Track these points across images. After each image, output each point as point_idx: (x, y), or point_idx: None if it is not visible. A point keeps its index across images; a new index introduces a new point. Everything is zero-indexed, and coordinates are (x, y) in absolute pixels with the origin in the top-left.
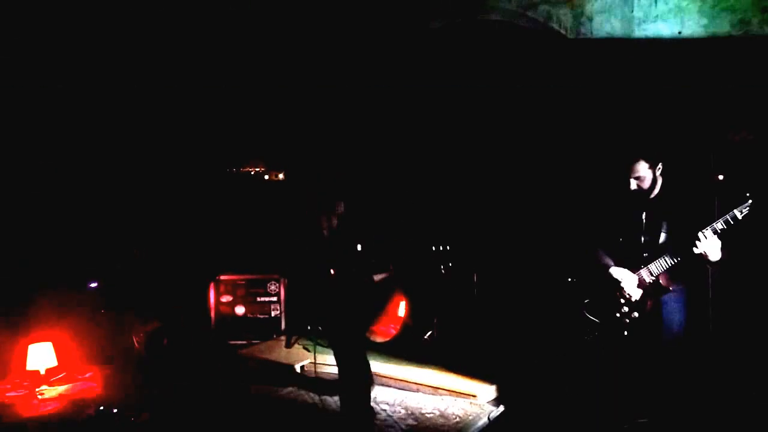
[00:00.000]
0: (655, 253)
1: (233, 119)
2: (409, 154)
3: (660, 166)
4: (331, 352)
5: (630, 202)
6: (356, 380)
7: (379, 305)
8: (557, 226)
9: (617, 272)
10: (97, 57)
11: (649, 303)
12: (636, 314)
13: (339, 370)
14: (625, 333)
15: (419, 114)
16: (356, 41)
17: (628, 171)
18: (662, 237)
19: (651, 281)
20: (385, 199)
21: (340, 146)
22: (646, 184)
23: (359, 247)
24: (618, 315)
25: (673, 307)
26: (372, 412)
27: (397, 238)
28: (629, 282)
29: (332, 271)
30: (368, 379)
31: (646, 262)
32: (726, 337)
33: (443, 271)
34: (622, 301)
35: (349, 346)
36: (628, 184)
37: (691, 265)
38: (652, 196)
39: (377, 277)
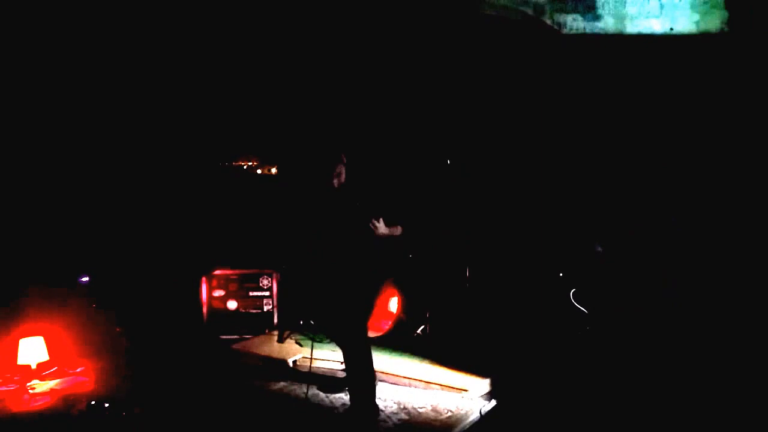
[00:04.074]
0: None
1: (226, 113)
2: (399, 148)
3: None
4: (323, 346)
5: (621, 196)
6: (365, 374)
7: (374, 297)
8: (549, 219)
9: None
10: (91, 53)
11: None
12: (622, 306)
13: (346, 366)
14: (610, 324)
15: (411, 107)
16: (348, 35)
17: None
18: (657, 233)
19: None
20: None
21: (332, 140)
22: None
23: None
24: (605, 305)
25: (666, 300)
26: (377, 408)
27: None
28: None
29: (337, 233)
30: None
31: (638, 257)
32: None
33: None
34: (611, 292)
35: (357, 341)
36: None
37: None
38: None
39: (383, 229)
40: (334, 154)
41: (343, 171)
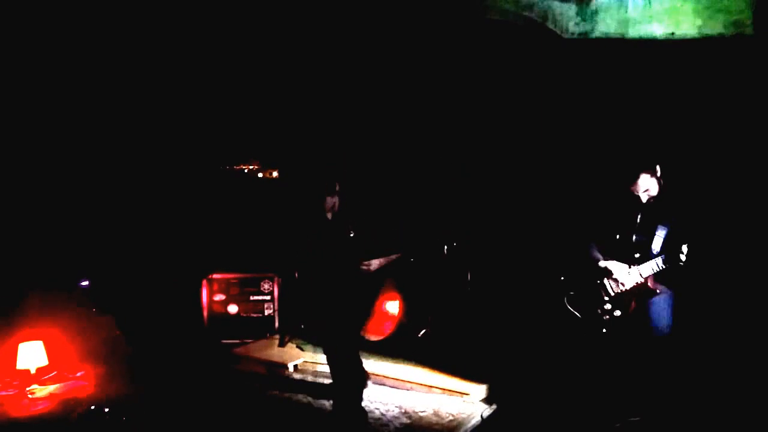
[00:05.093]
0: (647, 255)
1: (227, 116)
2: (402, 151)
3: (658, 169)
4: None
5: (626, 201)
6: (349, 379)
7: (372, 303)
8: (550, 224)
9: (608, 266)
10: (94, 56)
11: (633, 303)
12: (618, 312)
13: (331, 370)
14: (604, 330)
15: (416, 111)
16: (353, 40)
17: (632, 181)
18: (656, 240)
19: (638, 282)
20: (378, 196)
21: (335, 143)
22: (651, 192)
23: (353, 234)
24: (599, 311)
25: (660, 308)
26: (364, 411)
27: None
28: (617, 280)
29: (329, 260)
30: (361, 378)
31: (637, 263)
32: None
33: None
34: (606, 298)
35: (344, 345)
36: (631, 191)
37: (681, 271)
38: (649, 198)
39: (371, 265)
40: (328, 186)
41: (337, 202)
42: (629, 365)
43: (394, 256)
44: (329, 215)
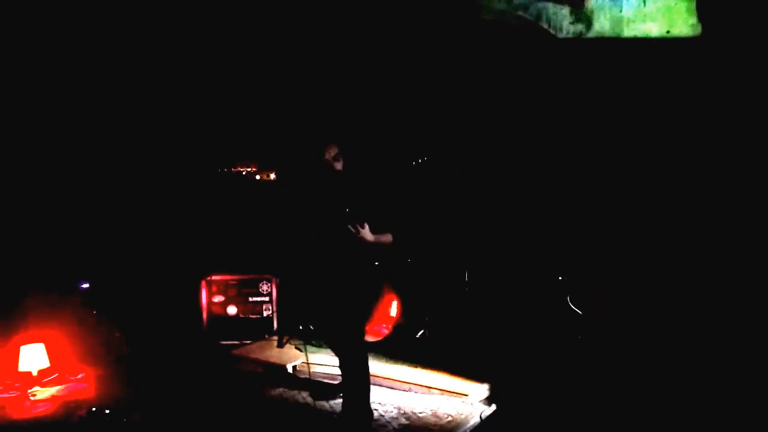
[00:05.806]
0: (645, 252)
1: (225, 118)
2: (400, 151)
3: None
4: (323, 351)
5: (621, 198)
6: (357, 378)
7: (371, 303)
8: (549, 223)
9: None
10: (91, 57)
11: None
12: (617, 311)
13: (342, 369)
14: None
15: (411, 111)
16: (347, 39)
17: (629, 178)
18: (653, 237)
19: (637, 279)
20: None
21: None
22: (645, 187)
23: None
24: (598, 309)
25: (659, 305)
26: (371, 412)
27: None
28: (614, 277)
29: (332, 255)
30: (368, 378)
31: (635, 260)
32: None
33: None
34: (605, 296)
35: (349, 344)
36: (626, 188)
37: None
38: (644, 193)
39: (364, 233)
40: (332, 139)
41: (341, 157)
42: (628, 364)
43: (385, 238)
44: (337, 165)
